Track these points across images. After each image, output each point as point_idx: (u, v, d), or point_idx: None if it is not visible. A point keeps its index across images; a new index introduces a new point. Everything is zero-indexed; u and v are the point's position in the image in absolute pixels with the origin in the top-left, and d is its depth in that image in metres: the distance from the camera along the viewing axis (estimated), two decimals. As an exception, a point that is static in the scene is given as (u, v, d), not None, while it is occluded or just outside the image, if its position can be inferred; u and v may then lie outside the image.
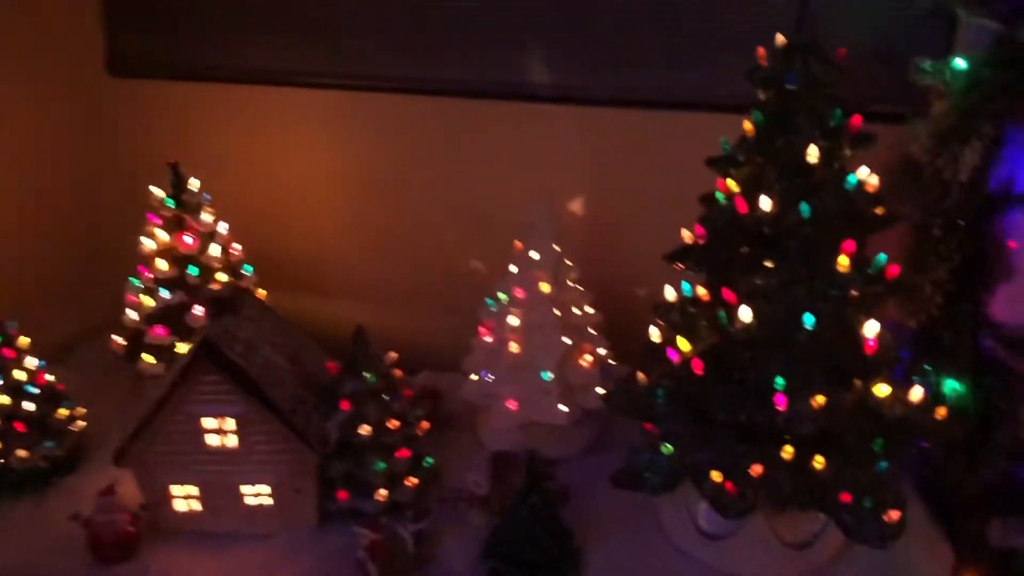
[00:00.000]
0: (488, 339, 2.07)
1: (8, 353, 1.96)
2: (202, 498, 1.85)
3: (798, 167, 1.55)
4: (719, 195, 1.65)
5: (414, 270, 2.52)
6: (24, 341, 2.00)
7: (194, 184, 2.20)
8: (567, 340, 2.00)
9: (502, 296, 2.04)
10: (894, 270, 1.60)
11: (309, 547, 1.84)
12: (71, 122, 2.49)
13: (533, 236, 2.00)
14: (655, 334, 1.79)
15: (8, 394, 1.94)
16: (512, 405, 2.01)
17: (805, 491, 1.60)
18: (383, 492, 1.85)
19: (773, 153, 1.57)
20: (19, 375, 1.96)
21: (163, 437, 1.78)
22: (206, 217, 2.21)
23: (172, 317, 2.17)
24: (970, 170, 1.67)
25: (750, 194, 1.58)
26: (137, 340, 2.21)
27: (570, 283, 2.05)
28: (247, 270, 2.32)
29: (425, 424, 1.96)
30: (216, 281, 2.15)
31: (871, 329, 1.57)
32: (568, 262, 2.05)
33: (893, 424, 1.61)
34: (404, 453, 1.87)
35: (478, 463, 1.98)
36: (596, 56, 2.22)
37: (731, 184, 1.63)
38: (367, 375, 1.83)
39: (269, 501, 1.85)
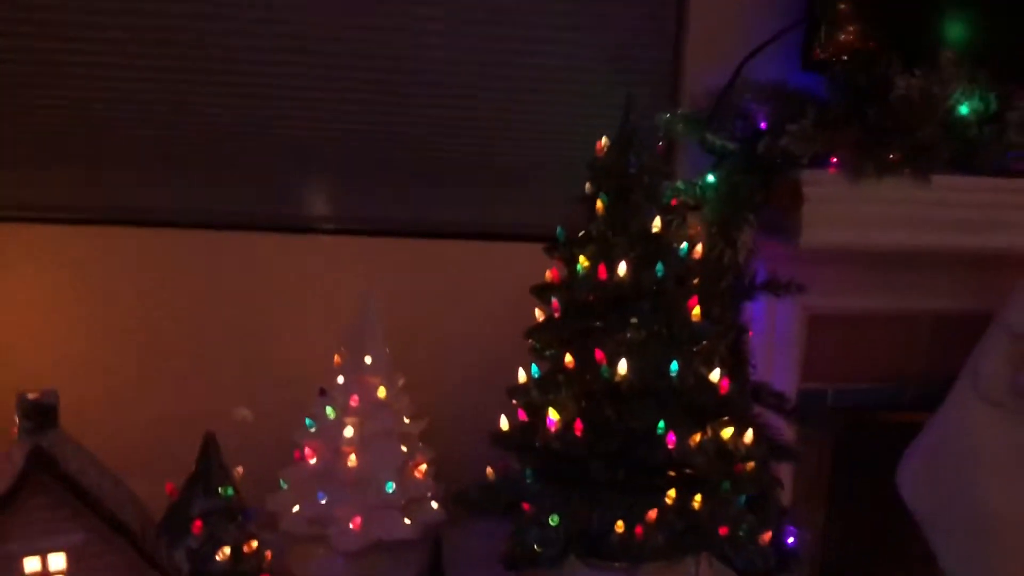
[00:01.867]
0: (312, 461, 1.90)
1: None
2: None
3: (646, 236, 1.79)
4: (579, 267, 1.80)
5: (189, 426, 2.18)
6: None
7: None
8: (404, 448, 1.92)
9: (330, 411, 1.91)
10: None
11: None
12: None
13: (359, 338, 1.94)
14: (504, 423, 1.83)
15: None
16: (356, 524, 1.84)
17: (692, 531, 1.71)
18: (245, 632, 1.56)
19: (623, 225, 1.79)
20: None
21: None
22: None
23: None
24: (747, 252, 2.03)
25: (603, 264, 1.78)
26: None
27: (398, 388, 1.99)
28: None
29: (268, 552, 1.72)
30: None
31: (716, 375, 1.79)
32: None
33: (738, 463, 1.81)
34: (265, 580, 1.61)
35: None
36: (375, 188, 2.31)
37: (582, 259, 1.80)
38: (221, 490, 1.58)
39: (102, 667, 1.45)
